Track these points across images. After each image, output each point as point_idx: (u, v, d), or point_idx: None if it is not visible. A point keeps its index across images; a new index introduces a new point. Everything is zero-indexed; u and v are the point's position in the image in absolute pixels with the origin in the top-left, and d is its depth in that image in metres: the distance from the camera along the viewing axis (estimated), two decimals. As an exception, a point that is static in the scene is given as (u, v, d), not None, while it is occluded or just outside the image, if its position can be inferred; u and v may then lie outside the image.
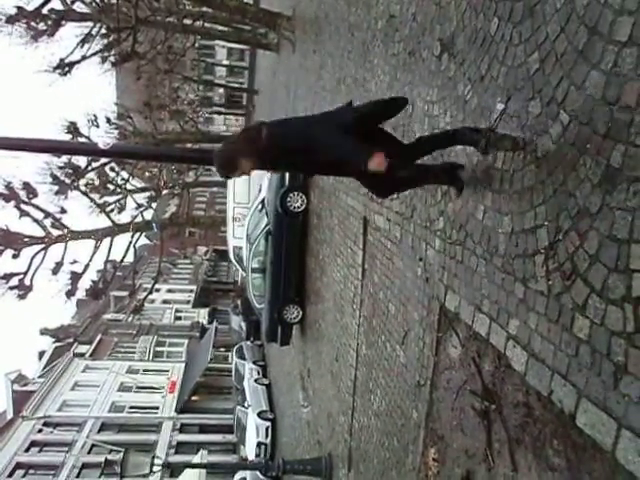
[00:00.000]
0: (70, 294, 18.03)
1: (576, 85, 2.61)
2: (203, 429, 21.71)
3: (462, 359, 3.78)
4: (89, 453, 19.63)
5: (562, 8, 2.74)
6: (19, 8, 14.55)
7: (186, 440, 20.87)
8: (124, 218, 20.97)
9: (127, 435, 20.62)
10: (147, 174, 24.91)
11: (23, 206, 17.09)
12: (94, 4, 16.68)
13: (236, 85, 41.19)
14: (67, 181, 18.17)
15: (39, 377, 25.40)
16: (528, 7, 3.06)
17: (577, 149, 2.58)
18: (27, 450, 19.81)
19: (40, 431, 20.64)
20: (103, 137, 18.67)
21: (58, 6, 15.72)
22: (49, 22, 15.26)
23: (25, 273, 16.78)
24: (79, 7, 16.58)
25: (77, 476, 18.91)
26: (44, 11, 15.16)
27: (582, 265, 2.49)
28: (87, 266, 18.15)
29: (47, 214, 17.74)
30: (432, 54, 4.51)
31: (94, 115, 19.27)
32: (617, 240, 2.29)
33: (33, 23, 14.99)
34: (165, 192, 24.69)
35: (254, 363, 20.11)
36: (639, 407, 2.12)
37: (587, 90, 2.52)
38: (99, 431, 20.93)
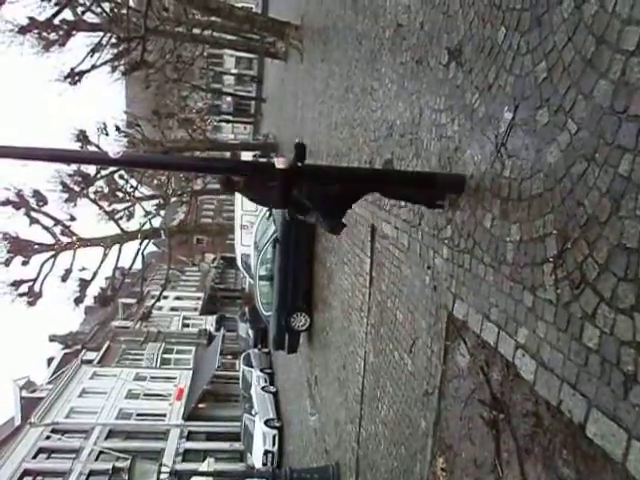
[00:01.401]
0: (79, 301, 18.14)
1: (584, 94, 2.61)
2: (210, 437, 21.63)
3: (470, 368, 3.76)
4: (96, 460, 19.61)
5: (569, 17, 2.75)
6: (31, 19, 14.77)
7: (193, 448, 20.81)
8: (132, 225, 21.13)
9: (134, 442, 20.58)
10: (155, 182, 25.09)
11: (33, 214, 17.27)
12: (104, 14, 16.91)
13: (244, 93, 41.43)
14: (76, 189, 18.33)
15: (47, 384, 25.48)
16: (535, 16, 3.07)
17: (585, 158, 2.58)
18: (35, 457, 19.80)
19: (48, 438, 20.65)
20: (112, 145, 18.80)
21: (69, 17, 15.96)
22: (60, 32, 15.47)
23: (35, 280, 16.92)
24: (90, 17, 16.83)
25: (84, 483, 18.91)
26: (55, 21, 15.37)
27: (591, 274, 2.48)
28: (96, 273, 18.28)
29: (57, 221, 17.89)
30: (440, 63, 4.52)
31: (103, 123, 19.44)
32: (626, 249, 2.28)
33: (44, 33, 15.20)
34: (173, 200, 24.83)
35: (261, 371, 20.09)
36: (650, 417, 2.10)
37: (595, 99, 2.53)
38: (106, 438, 20.91)
